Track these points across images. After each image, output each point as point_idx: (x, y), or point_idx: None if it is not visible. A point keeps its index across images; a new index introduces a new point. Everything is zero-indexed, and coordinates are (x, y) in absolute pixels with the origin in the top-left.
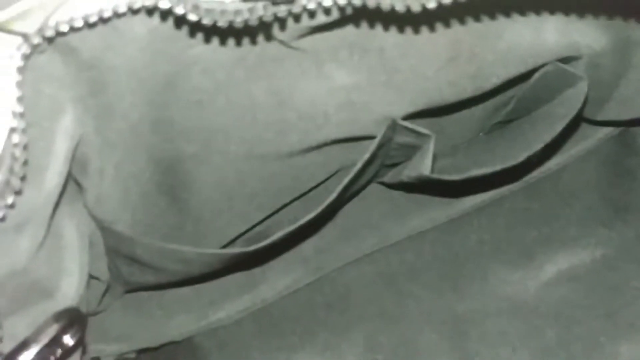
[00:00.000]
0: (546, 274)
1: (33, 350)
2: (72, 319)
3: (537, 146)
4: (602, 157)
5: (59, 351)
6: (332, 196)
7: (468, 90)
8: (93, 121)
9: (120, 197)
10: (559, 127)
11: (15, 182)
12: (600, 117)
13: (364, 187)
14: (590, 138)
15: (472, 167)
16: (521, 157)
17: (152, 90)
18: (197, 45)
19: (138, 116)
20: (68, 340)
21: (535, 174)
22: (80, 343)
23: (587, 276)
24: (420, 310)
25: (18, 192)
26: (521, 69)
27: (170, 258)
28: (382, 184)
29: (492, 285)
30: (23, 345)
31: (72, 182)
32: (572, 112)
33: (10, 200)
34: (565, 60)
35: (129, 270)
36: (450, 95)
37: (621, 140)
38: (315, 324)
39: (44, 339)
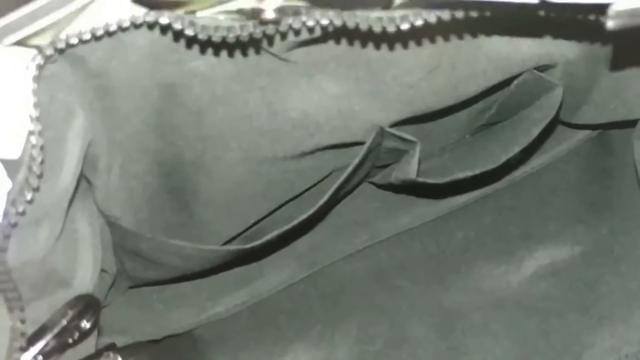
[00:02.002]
0: (527, 269)
1: (52, 333)
2: (88, 304)
3: (515, 149)
4: (582, 157)
5: (76, 334)
6: (325, 197)
7: (450, 98)
8: (100, 124)
9: (125, 195)
10: (535, 131)
11: (33, 180)
12: (576, 121)
13: (355, 186)
14: (570, 139)
15: (456, 169)
16: (500, 160)
17: (155, 97)
18: (197, 60)
19: (141, 121)
20: (84, 324)
21: (519, 173)
22: (95, 326)
23: (565, 271)
24: (409, 303)
25: (36, 189)
26: (499, 77)
27: (171, 253)
28: (373, 183)
29: (477, 279)
30: (43, 328)
31: (83, 180)
32: (549, 117)
33: (29, 196)
34: (542, 68)
35: (132, 265)
36: (433, 104)
37: (599, 141)
38: (310, 316)
39: (62, 323)
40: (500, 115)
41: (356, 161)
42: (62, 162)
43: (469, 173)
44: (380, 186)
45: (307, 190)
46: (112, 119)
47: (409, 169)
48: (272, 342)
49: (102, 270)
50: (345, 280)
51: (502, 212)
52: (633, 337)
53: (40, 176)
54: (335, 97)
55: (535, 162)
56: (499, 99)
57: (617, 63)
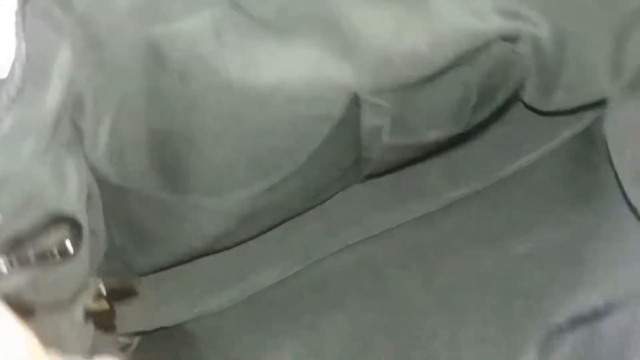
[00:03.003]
0: (515, 253)
1: (32, 250)
2: (71, 225)
3: (481, 117)
4: (570, 153)
5: (58, 257)
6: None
7: (422, 66)
8: (93, 74)
9: (115, 157)
10: (502, 97)
11: (13, 90)
12: (552, 107)
13: (346, 185)
14: (558, 137)
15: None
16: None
17: (142, 57)
18: (179, 19)
19: (130, 81)
20: (68, 246)
21: (506, 171)
22: (77, 252)
23: (551, 255)
24: (398, 290)
25: (15, 100)
26: (466, 46)
27: (162, 211)
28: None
29: (465, 264)
30: (21, 243)
31: (72, 128)
32: (517, 85)
33: (10, 107)
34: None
35: (122, 243)
36: (405, 70)
37: (586, 138)
38: (301, 308)
39: (43, 240)
40: (482, 105)
41: (329, 128)
42: (47, 84)
43: (436, 132)
44: (370, 180)
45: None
46: (104, 74)
47: (382, 134)
48: (263, 336)
49: (91, 232)
50: (337, 272)
51: (491, 207)
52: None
53: (21, 89)
54: (310, 62)
55: (524, 160)
56: (476, 81)
57: (583, 39)
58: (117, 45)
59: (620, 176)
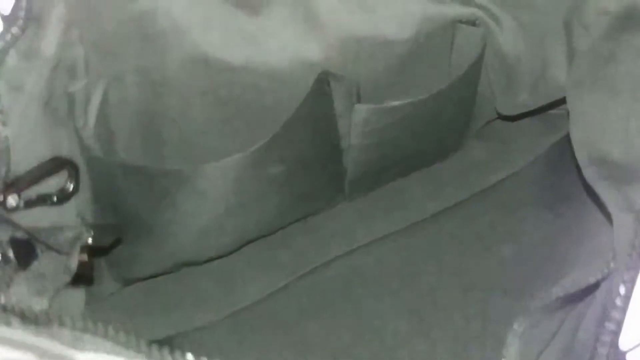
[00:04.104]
0: (497, 254)
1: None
2: (67, 162)
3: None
4: (548, 161)
5: (55, 198)
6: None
7: (388, 46)
8: (83, 33)
9: (104, 132)
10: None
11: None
12: (518, 110)
13: (331, 199)
14: (538, 148)
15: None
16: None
17: (131, 29)
18: None
19: (120, 61)
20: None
21: (486, 181)
22: (76, 190)
23: (534, 253)
24: (383, 293)
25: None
26: (427, 28)
27: (150, 184)
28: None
29: (448, 267)
30: (21, 181)
31: (65, 98)
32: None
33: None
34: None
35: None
36: (362, 30)
37: (563, 146)
38: (287, 322)
39: (41, 176)
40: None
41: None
42: (44, 28)
43: (403, 101)
44: (355, 199)
45: None
46: (96, 51)
47: (352, 106)
48: (248, 348)
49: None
50: (322, 284)
51: (473, 214)
52: None
53: (23, 28)
54: (281, 40)
55: (504, 172)
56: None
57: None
58: (110, 16)
59: (578, 158)
